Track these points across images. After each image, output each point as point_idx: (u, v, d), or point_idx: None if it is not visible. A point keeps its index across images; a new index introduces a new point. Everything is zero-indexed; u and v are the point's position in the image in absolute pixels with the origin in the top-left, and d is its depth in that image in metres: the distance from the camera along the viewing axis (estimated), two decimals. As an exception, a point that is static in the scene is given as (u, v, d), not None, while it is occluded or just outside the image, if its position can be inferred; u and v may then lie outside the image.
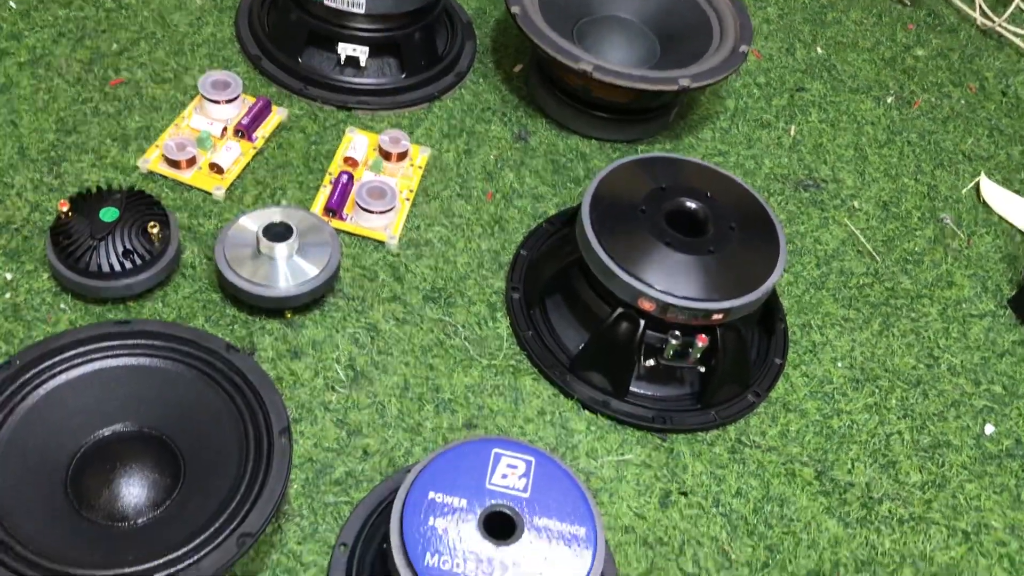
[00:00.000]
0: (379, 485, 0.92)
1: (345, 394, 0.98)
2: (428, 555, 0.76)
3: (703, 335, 0.97)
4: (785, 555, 0.95)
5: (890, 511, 1.00)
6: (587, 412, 1.02)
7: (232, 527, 0.75)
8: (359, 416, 0.97)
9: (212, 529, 0.74)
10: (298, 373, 0.99)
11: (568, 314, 1.07)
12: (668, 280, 0.96)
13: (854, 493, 1.01)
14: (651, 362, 1.01)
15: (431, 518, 0.78)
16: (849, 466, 1.03)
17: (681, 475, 0.99)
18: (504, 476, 0.82)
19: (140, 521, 0.78)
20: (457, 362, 1.03)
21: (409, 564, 0.75)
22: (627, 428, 1.01)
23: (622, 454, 0.99)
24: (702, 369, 1.02)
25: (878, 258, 1.26)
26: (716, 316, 0.96)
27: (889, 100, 1.51)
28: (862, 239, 1.28)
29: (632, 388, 1.02)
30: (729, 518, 0.96)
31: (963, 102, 1.53)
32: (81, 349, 0.83)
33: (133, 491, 0.80)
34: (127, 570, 0.71)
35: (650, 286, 0.95)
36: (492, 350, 1.05)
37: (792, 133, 1.41)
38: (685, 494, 0.97)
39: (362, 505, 0.90)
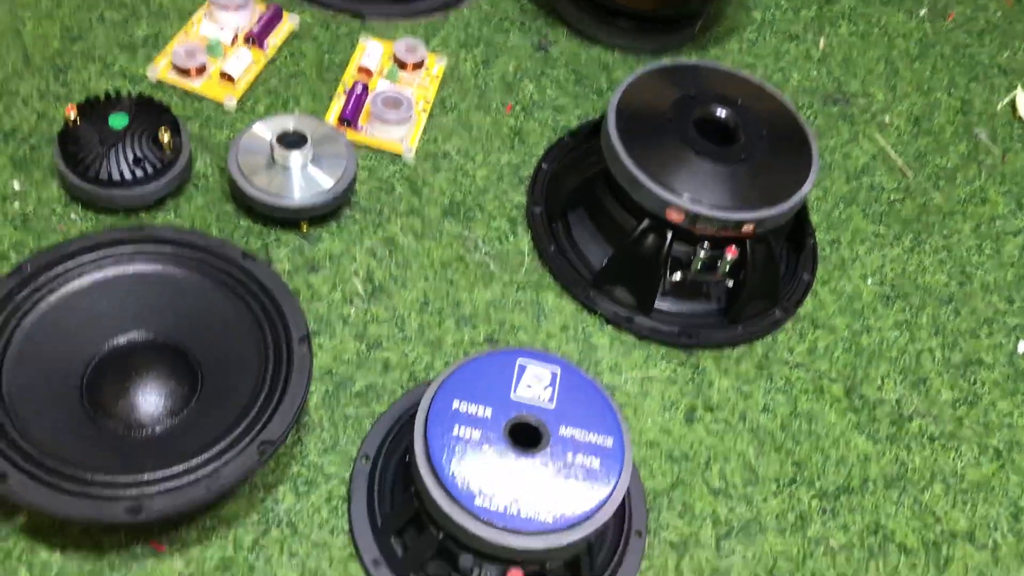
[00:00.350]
0: (400, 399, 0.90)
1: (364, 308, 0.96)
2: (453, 463, 0.74)
3: (733, 247, 0.94)
4: (813, 470, 0.93)
5: (920, 428, 0.98)
6: (611, 328, 0.99)
7: (253, 434, 0.73)
8: (378, 330, 0.94)
9: (232, 436, 0.73)
10: (315, 286, 0.96)
11: (592, 228, 1.03)
12: (697, 189, 0.92)
13: (884, 410, 0.98)
14: (678, 276, 0.98)
15: (455, 427, 0.76)
16: (879, 383, 1.00)
17: (707, 391, 0.97)
18: (529, 387, 0.80)
19: (158, 429, 0.76)
20: (477, 277, 1.01)
21: (433, 472, 0.74)
22: (652, 344, 0.99)
23: (647, 370, 0.97)
24: (730, 283, 0.99)
25: (909, 174, 1.22)
26: (746, 227, 0.93)
27: (922, 13, 1.45)
28: (893, 154, 1.24)
29: (657, 304, 1.00)
30: (756, 434, 0.94)
31: (999, 14, 1.47)
32: (93, 255, 0.80)
33: (150, 399, 0.78)
34: (146, 476, 0.70)
35: (679, 196, 0.92)
36: (513, 266, 1.02)
37: (821, 46, 1.36)
38: (711, 410, 0.95)
39: (383, 418, 0.88)
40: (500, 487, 0.73)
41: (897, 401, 0.99)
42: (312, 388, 0.89)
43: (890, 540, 0.90)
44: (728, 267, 0.96)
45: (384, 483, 0.84)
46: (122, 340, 0.80)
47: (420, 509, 0.77)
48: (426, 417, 0.76)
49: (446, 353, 0.94)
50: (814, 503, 0.91)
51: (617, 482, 0.76)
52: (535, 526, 0.72)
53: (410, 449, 0.77)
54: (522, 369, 0.80)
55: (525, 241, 1.05)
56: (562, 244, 1.03)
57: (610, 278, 1.00)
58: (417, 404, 0.88)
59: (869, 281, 1.10)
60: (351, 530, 0.81)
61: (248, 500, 0.82)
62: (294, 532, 0.81)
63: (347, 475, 0.85)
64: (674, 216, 0.93)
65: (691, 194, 0.92)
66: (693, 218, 0.92)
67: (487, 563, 0.75)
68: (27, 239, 0.94)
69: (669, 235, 0.95)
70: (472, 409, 0.77)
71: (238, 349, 0.79)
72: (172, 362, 0.80)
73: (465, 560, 0.74)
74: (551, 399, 0.79)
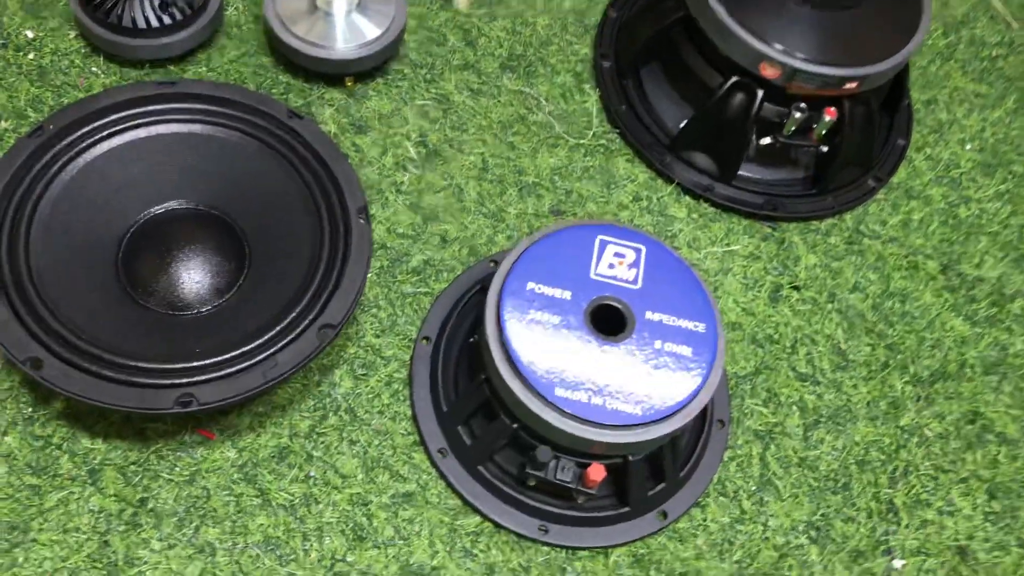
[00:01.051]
0: (461, 275, 0.82)
1: (418, 174, 0.87)
2: (530, 351, 0.67)
3: (831, 108, 0.84)
4: (907, 355, 0.86)
5: None
6: (688, 198, 0.90)
7: (311, 317, 0.66)
8: (435, 200, 0.86)
9: (289, 319, 0.65)
10: (364, 150, 0.87)
11: (668, 85, 0.93)
12: (796, 41, 0.81)
13: (983, 289, 0.90)
14: (767, 140, 0.88)
15: (531, 311, 0.69)
16: (977, 260, 0.92)
17: (793, 268, 0.88)
18: (611, 266, 0.71)
19: (204, 310, 0.69)
20: (541, 140, 0.91)
21: (509, 360, 0.67)
22: (733, 216, 0.90)
23: (727, 244, 0.89)
24: (824, 149, 0.89)
25: (1014, 25, 1.09)
26: (849, 85, 0.83)
27: None
28: (996, 3, 1.11)
29: (740, 171, 0.90)
30: (846, 315, 0.87)
31: None
32: (122, 113, 0.71)
33: (194, 276, 0.70)
34: (195, 364, 0.63)
35: (774, 47, 0.81)
36: (580, 127, 0.93)
37: None
38: (797, 288, 0.87)
39: (444, 296, 0.81)
40: (582, 376, 0.67)
41: (998, 279, 0.91)
42: (366, 263, 0.81)
43: (988, 429, 0.83)
44: (825, 130, 0.85)
45: (448, 367, 0.77)
46: (159, 210, 0.72)
47: (491, 397, 0.71)
48: (498, 299, 0.69)
49: (509, 226, 0.86)
50: (908, 390, 0.84)
51: (709, 371, 0.69)
52: (621, 419, 0.66)
53: (480, 334, 0.70)
54: (603, 246, 0.72)
55: (592, 99, 0.94)
56: (634, 103, 0.93)
57: (689, 142, 0.90)
58: (479, 282, 0.81)
59: (968, 147, 0.99)
60: (414, 416, 0.75)
61: (303, 384, 0.75)
62: (353, 418, 0.75)
63: (407, 358, 0.78)
64: (769, 71, 0.82)
65: (790, 46, 0.81)
66: (791, 73, 0.81)
67: (565, 456, 0.69)
68: (45, 95, 0.84)
69: (760, 94, 0.85)
70: (549, 291, 0.70)
71: (288, 221, 0.71)
72: (217, 234, 0.72)
73: (543, 454, 0.68)
74: (636, 280, 0.71)
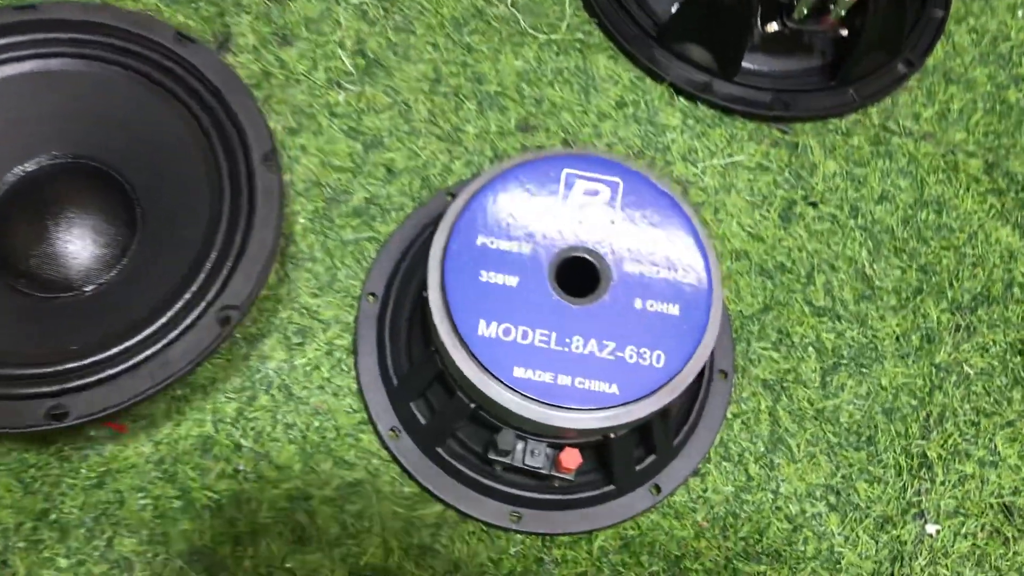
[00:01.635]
0: (412, 214, 0.70)
1: (356, 91, 0.73)
2: (482, 323, 0.55)
3: (853, -17, 0.68)
4: (944, 276, 0.73)
5: (1084, 213, 0.76)
6: (683, 99, 0.76)
7: (209, 298, 0.54)
8: (377, 122, 0.72)
9: (182, 302, 0.54)
10: (290, 65, 0.73)
11: (654, -38, 0.77)
12: (808, -99, 0.65)
13: (1036, 191, 0.76)
14: (774, 26, 0.73)
15: (483, 272, 0.56)
16: (1030, 155, 0.77)
17: (808, 179, 0.75)
18: (581, 207, 0.58)
19: (88, 290, 0.57)
20: (504, 39, 0.76)
21: (457, 336, 0.55)
22: (736, 119, 0.76)
23: (730, 155, 0.75)
24: (843, 33, 0.74)
25: None
26: (875, -47, 0.67)
27: None
28: None
29: (744, 64, 0.75)
30: (871, 232, 0.73)
31: None
32: (-35, 51, 0.57)
33: (74, 247, 0.58)
34: (69, 365, 0.52)
35: (782, -88, 0.65)
36: (551, 20, 0.77)
37: None
38: (814, 204, 0.74)
39: (392, 241, 0.68)
40: (547, 351, 0.55)
41: (1054, 178, 0.77)
42: (297, 207, 0.69)
43: (1040, 361, 0.71)
44: (845, 10, 0.70)
45: (398, 329, 0.65)
46: (29, 166, 0.60)
47: (445, 370, 0.59)
48: (442, 262, 0.56)
49: (468, 149, 0.72)
50: (944, 319, 0.72)
51: (703, 335, 0.56)
52: (595, 400, 0.54)
53: (424, 303, 0.58)
54: (571, 182, 0.59)
55: (564, -15, 0.79)
56: (614, -13, 0.77)
57: (682, 32, 0.75)
58: (435, 222, 0.68)
59: (1020, 13, 0.83)
60: (360, 391, 0.64)
61: (226, 360, 0.64)
62: (288, 397, 0.64)
63: (351, 320, 0.66)
64: (774, -57, 0.66)
65: (800, -91, 0.65)
66: (802, -55, 0.66)
67: (533, 439, 0.58)
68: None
69: (764, -30, 0.69)
70: (504, 245, 0.57)
71: (182, 173, 0.58)
72: (101, 193, 0.60)
73: (504, 440, 0.57)
74: (611, 223, 0.58)
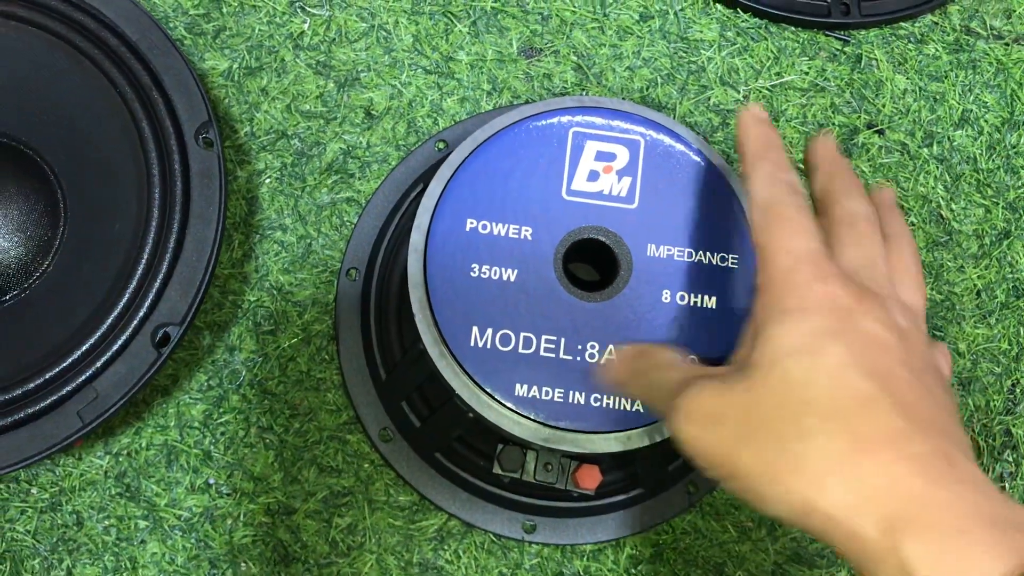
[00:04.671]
0: (396, 167, 0.59)
1: (324, 16, 0.61)
2: (475, 330, 0.45)
3: None
4: (1036, 215, 0.61)
5: None
6: (720, 6, 0.63)
7: (141, 314, 0.44)
8: (351, 53, 0.60)
9: (110, 319, 0.44)
10: (245, -13, 0.61)
11: None
12: None
13: None
14: (834, -88, 0.58)
15: (474, 265, 0.46)
16: None
17: (873, 100, 0.62)
18: (593, 176, 0.47)
19: (5, 300, 0.48)
20: (501, -62, 0.63)
21: (444, 344, 0.45)
22: (786, 28, 0.63)
23: (778, 75, 0.62)
24: (922, -85, 0.59)
25: None
26: None
27: None
28: None
29: (795, -42, 0.62)
30: (948, 164, 0.61)
31: None
32: None
33: (-9, 244, 0.49)
34: (-20, 405, 0.43)
35: None
36: (557, -89, 0.64)
37: None
38: (880, 131, 0.61)
39: (375, 202, 0.58)
40: (553, 360, 0.45)
41: None
42: (261, 164, 0.58)
43: None
44: None
45: (385, 310, 0.56)
46: (-75, 146, 0.49)
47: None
48: (423, 250, 0.46)
49: (461, 83, 0.60)
50: (1035, 267, 0.60)
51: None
52: (613, 420, 0.45)
53: (404, 298, 0.48)
54: (580, 143, 0.47)
55: None
56: None
57: (717, -77, 0.61)
58: (424, 176, 0.57)
59: None
60: (344, 385, 0.55)
61: (189, 355, 0.55)
62: (262, 395, 0.55)
63: (330, 300, 0.57)
64: None
65: None
66: None
67: (544, 454, 0.49)
68: None
69: None
70: (500, 228, 0.46)
71: (105, 153, 0.47)
72: (17, 176, 0.49)
73: (508, 460, 0.48)
74: (631, 195, 0.47)
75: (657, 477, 0.54)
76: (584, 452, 0.45)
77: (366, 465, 0.55)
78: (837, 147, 0.41)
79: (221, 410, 0.55)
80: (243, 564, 0.53)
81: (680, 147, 0.47)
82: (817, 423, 0.31)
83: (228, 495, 0.54)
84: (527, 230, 0.46)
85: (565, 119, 0.47)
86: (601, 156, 0.47)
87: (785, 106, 0.61)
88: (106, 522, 0.53)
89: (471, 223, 0.46)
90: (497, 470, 0.50)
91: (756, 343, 0.35)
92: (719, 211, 0.47)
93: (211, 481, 0.54)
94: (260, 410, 0.55)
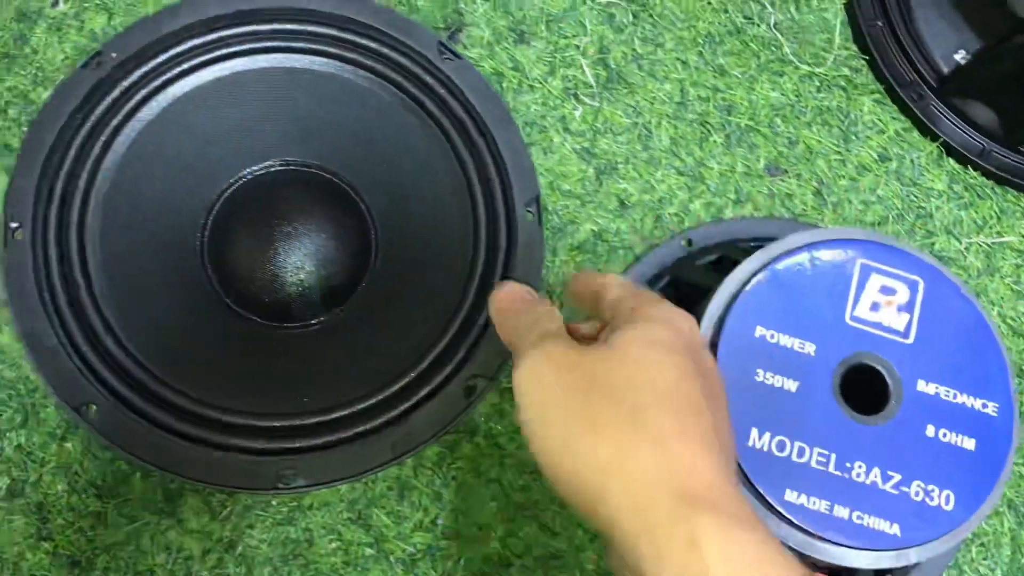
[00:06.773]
0: (642, 257, 0.63)
1: (594, 107, 0.65)
2: (755, 431, 0.48)
3: None
4: None
5: None
6: (952, 162, 0.67)
7: (456, 362, 0.48)
8: (614, 145, 0.65)
9: (428, 361, 0.48)
10: (525, 68, 0.65)
11: (948, 1, 0.67)
12: None
13: None
14: (1082, 98, 0.63)
15: (759, 370, 0.49)
16: None
17: (1082, 271, 0.66)
18: (875, 307, 0.51)
19: (314, 323, 0.52)
20: (762, 65, 0.68)
21: (723, 442, 0.48)
22: (1009, 191, 0.67)
23: (999, 233, 0.66)
24: None
25: None
26: None
27: None
28: None
29: (1031, 131, 0.66)
30: None
31: None
32: (208, 38, 0.51)
33: (303, 268, 0.52)
34: (302, 422, 0.46)
35: None
36: (816, 49, 0.68)
37: None
38: (1086, 302, 0.65)
39: (620, 288, 0.62)
40: (825, 474, 0.48)
41: None
42: (521, 234, 0.62)
43: None
44: None
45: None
46: (257, 170, 0.53)
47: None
48: (712, 347, 0.49)
49: (709, 189, 0.65)
50: None
51: (999, 475, 0.49)
52: (871, 539, 0.48)
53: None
54: (866, 274, 0.51)
55: (836, 7, 0.69)
56: (894, 20, 0.68)
57: (966, 86, 0.66)
58: (666, 271, 0.61)
59: None
60: (572, 453, 0.58)
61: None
62: (494, 447, 0.58)
63: (568, 370, 0.60)
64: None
65: None
66: None
67: (778, 555, 0.52)
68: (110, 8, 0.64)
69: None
70: (787, 341, 0.50)
71: (430, 208, 0.51)
72: (334, 209, 0.53)
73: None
74: (907, 330, 0.51)
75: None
76: (832, 563, 0.48)
77: (580, 532, 0.58)
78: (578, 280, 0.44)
79: (455, 455, 0.58)
80: (457, 607, 0.56)
81: (954, 294, 0.51)
82: (653, 401, 0.35)
83: (452, 537, 0.57)
84: (811, 346, 0.50)
85: (856, 249, 0.51)
86: (884, 290, 0.51)
87: (1001, 264, 0.65)
88: (334, 544, 0.56)
89: (761, 330, 0.50)
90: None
91: (618, 333, 0.38)
92: (983, 358, 0.50)
93: (439, 520, 0.57)
94: (490, 461, 0.58)
